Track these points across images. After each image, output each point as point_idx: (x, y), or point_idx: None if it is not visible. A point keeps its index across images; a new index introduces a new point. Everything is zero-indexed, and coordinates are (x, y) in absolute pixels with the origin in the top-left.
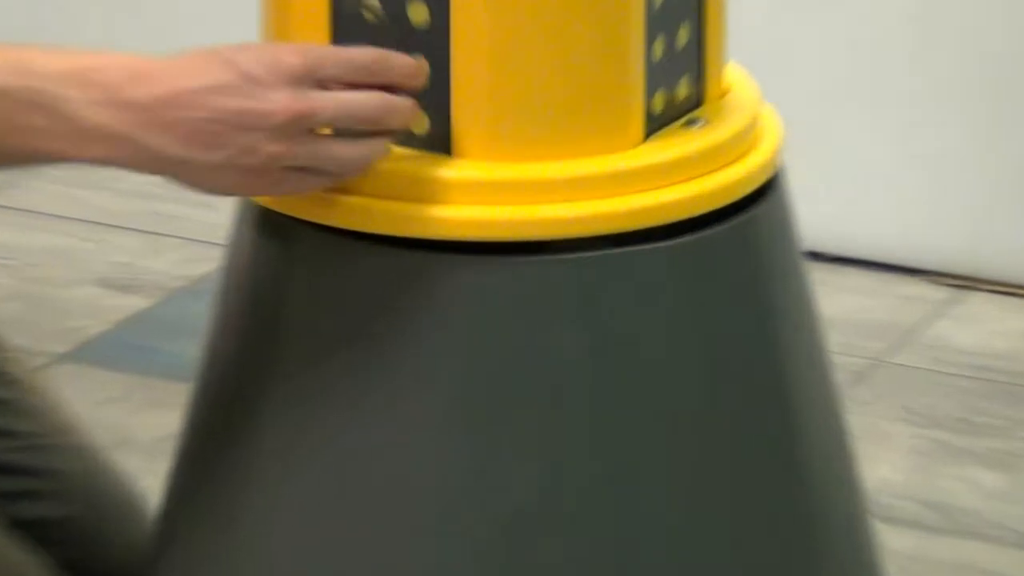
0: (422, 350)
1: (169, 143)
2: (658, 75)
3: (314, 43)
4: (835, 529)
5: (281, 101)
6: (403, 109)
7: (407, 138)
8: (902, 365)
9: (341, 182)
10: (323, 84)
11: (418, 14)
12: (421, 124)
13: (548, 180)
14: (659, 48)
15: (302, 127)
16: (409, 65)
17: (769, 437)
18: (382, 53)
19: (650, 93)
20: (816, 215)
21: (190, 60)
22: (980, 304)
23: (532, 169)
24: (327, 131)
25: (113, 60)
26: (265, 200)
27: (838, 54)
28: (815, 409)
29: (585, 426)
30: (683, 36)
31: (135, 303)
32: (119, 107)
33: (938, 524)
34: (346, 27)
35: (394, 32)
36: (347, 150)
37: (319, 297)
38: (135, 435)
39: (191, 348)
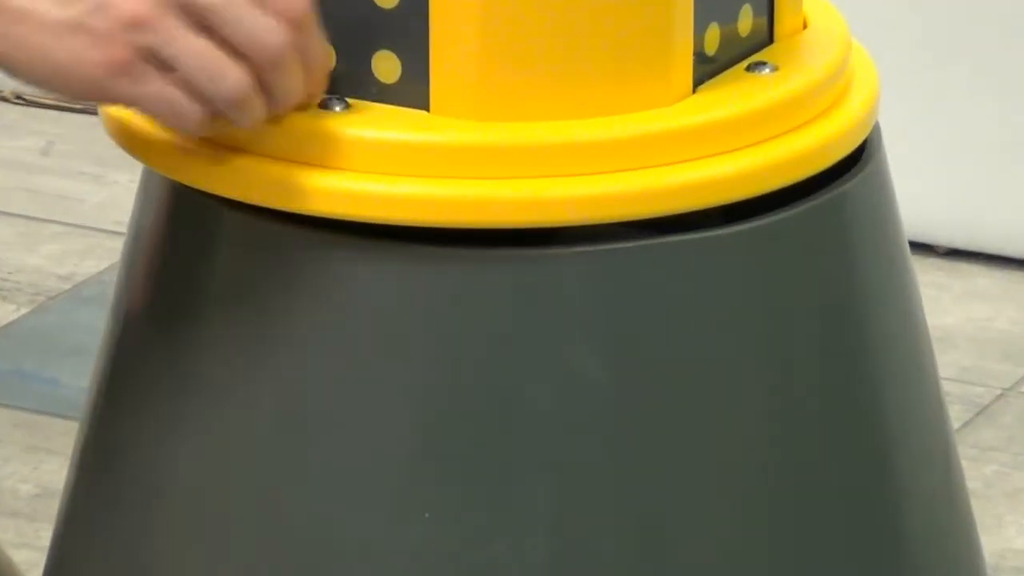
0: (383, 374)
1: None
2: (712, 1)
3: None
4: None
5: None
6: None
7: (370, 88)
8: None
9: (241, 129)
10: None
11: None
12: (390, 69)
13: (560, 146)
14: None
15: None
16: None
17: (855, 496)
18: (303, 2)
19: (701, 26)
20: (925, 195)
21: None
22: None
23: (538, 131)
24: None
25: None
26: (180, 173)
27: None
28: (918, 456)
29: (607, 478)
30: None
31: (2, 312)
32: None
33: None
34: None
35: None
36: (225, 59)
37: (250, 295)
38: (7, 490)
39: (77, 371)
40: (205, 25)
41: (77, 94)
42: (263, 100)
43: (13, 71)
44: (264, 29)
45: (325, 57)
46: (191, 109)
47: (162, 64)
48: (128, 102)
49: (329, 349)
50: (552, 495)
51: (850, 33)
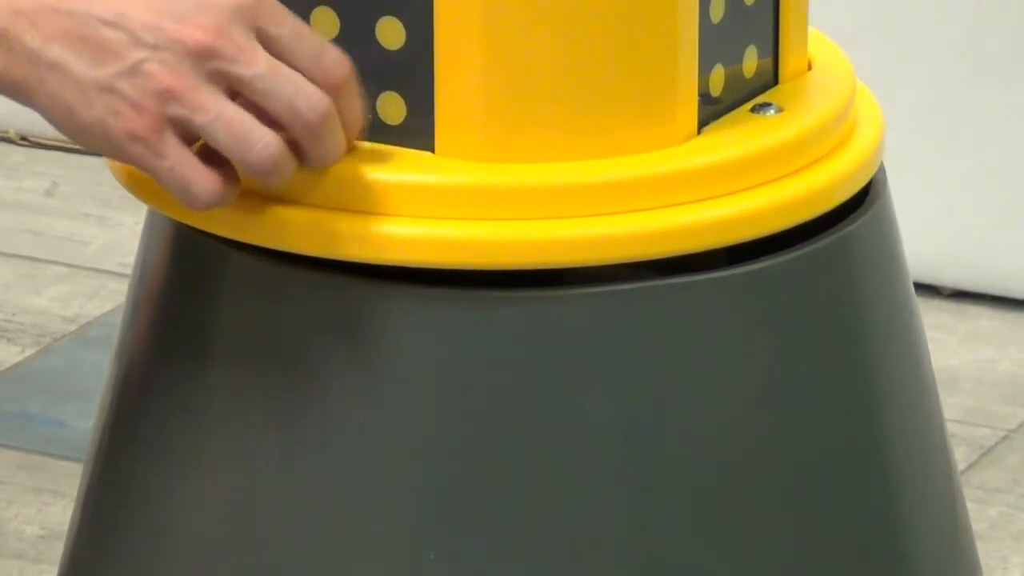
0: (389, 416)
1: (48, 40)
2: (717, 43)
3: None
4: None
5: (207, 25)
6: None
7: (375, 129)
8: None
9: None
10: (263, 42)
11: None
12: (395, 110)
13: (564, 187)
14: (719, 5)
15: (213, 68)
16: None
17: (861, 536)
18: (346, 64)
19: (706, 68)
20: (930, 236)
21: None
22: None
23: (543, 173)
24: None
25: None
26: (184, 215)
27: (958, 12)
28: (924, 497)
29: (615, 519)
30: None
31: (7, 353)
32: None
33: None
34: None
35: None
36: (255, 125)
37: (255, 337)
38: (11, 531)
39: (82, 413)
40: (241, 91)
41: (101, 152)
42: (295, 163)
43: (49, 121)
44: (304, 98)
45: (364, 113)
46: (201, 190)
47: (190, 132)
48: (142, 169)
49: (335, 390)
50: (561, 539)
51: (855, 74)
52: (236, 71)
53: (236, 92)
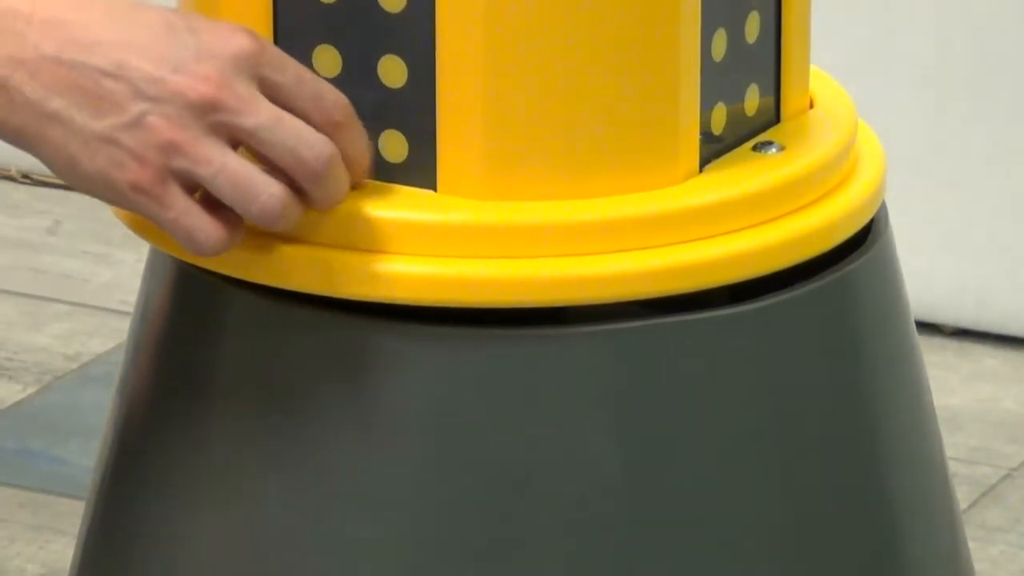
0: (391, 453)
1: (48, 91)
2: (718, 81)
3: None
4: None
5: (208, 76)
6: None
7: (377, 167)
8: None
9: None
10: (265, 89)
11: None
12: (397, 148)
13: (566, 225)
14: (720, 43)
15: (215, 120)
16: (359, 140)
17: (863, 574)
18: (345, 103)
19: (707, 106)
20: (932, 274)
21: (126, 13)
22: None
23: (544, 211)
24: None
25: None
26: (186, 253)
27: (960, 50)
28: (925, 535)
29: (615, 560)
30: (753, 27)
31: (8, 391)
32: (8, 35)
33: None
34: (294, 7)
35: (359, 18)
36: (259, 176)
37: (257, 375)
38: (12, 570)
39: (84, 451)
40: (244, 141)
41: (105, 201)
42: (300, 209)
43: (51, 170)
44: (307, 146)
45: (367, 148)
46: (205, 237)
47: (193, 183)
48: (146, 218)
49: (338, 427)
50: (561, 573)
51: (856, 112)
52: (239, 122)
53: (239, 141)
